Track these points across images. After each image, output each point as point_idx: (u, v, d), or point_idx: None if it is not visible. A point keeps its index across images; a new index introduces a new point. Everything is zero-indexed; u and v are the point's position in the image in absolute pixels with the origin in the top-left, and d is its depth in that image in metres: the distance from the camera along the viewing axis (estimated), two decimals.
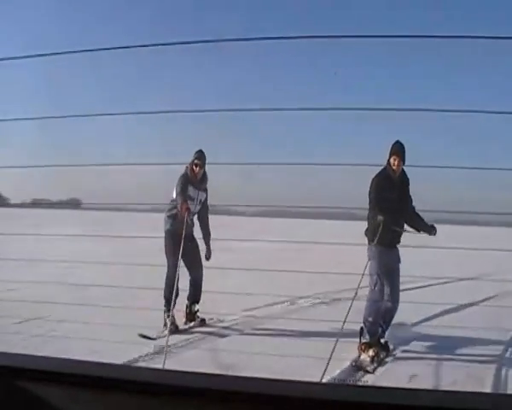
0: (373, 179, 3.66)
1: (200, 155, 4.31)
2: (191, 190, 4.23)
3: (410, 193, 3.80)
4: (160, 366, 2.90)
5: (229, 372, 2.81)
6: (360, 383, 2.93)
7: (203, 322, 4.30)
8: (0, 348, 0.87)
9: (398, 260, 3.71)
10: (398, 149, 3.67)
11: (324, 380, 2.69)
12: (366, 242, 3.72)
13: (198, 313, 4.35)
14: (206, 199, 4.41)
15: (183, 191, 4.14)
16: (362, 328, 3.60)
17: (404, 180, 3.74)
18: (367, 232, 3.74)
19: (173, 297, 3.97)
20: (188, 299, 4.31)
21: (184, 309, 4.29)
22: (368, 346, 3.55)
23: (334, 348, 2.84)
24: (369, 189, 3.69)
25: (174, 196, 4.23)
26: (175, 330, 3.99)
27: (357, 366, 3.32)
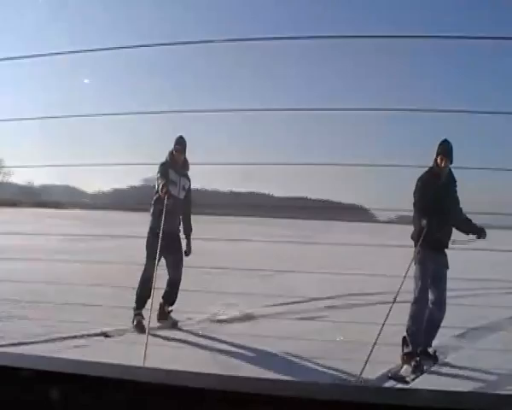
0: (418, 179, 3.51)
1: (181, 141, 4.26)
2: (173, 175, 4.13)
3: (458, 194, 3.63)
4: (159, 367, 2.88)
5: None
6: (360, 384, 2.90)
7: (175, 324, 4.18)
8: None
9: (446, 266, 3.52)
10: (446, 148, 3.48)
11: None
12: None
13: (171, 314, 4.24)
14: (189, 189, 4.31)
15: (163, 175, 4.05)
16: (405, 337, 3.47)
17: (450, 181, 3.57)
18: (413, 235, 3.58)
19: (146, 297, 3.88)
20: (162, 298, 4.19)
21: (158, 308, 4.16)
22: (410, 356, 3.39)
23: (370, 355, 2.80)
24: (414, 189, 3.54)
25: (156, 187, 4.12)
26: (140, 331, 3.88)
27: (393, 376, 3.18)
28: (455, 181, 3.60)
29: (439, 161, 3.48)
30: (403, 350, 3.45)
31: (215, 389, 0.68)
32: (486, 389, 2.91)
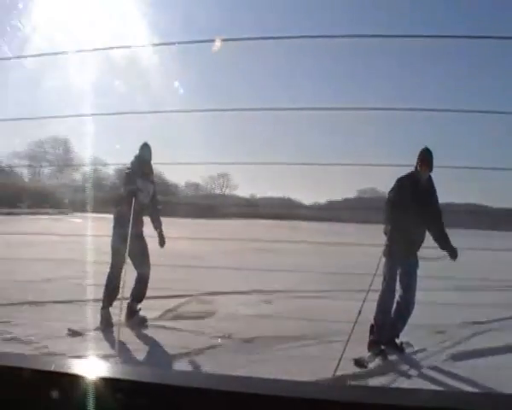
0: (397, 180, 3.65)
1: (146, 148, 4.36)
2: (140, 182, 4.22)
3: (439, 205, 3.70)
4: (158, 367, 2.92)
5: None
6: (358, 384, 2.94)
7: (144, 321, 4.19)
8: None
9: (415, 264, 3.63)
10: (426, 156, 3.62)
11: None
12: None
13: (139, 312, 4.26)
14: (154, 192, 4.43)
15: (130, 182, 4.16)
16: (372, 325, 3.63)
17: (429, 188, 3.65)
18: (385, 230, 3.68)
19: (114, 295, 3.99)
20: (130, 295, 4.21)
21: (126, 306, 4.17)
22: (375, 344, 3.57)
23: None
24: (391, 187, 3.67)
25: (122, 190, 4.26)
26: (105, 327, 3.93)
27: (357, 361, 3.31)
28: (434, 189, 3.68)
29: (419, 167, 3.61)
30: (369, 338, 3.60)
31: (215, 389, 0.68)
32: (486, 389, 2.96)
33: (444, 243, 3.60)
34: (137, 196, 4.03)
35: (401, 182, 3.63)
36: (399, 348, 3.65)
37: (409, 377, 3.23)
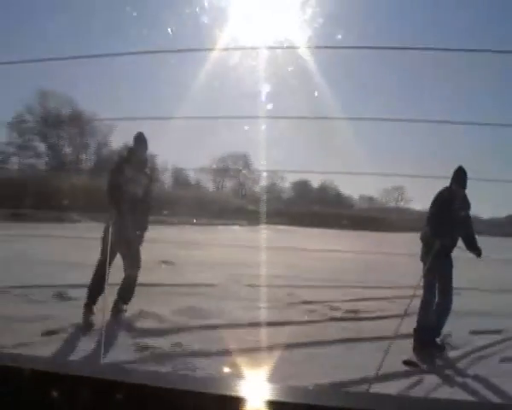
0: (437, 194, 4.03)
1: (140, 136, 4.13)
2: (130, 172, 3.98)
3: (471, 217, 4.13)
4: (158, 369, 2.91)
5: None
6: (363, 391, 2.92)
7: (129, 322, 4.02)
8: None
9: (451, 266, 3.97)
10: (460, 176, 3.98)
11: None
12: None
13: (124, 312, 4.10)
14: (149, 186, 4.19)
15: (117, 172, 3.97)
16: (415, 329, 3.89)
17: (464, 204, 4.03)
18: (422, 237, 4.05)
19: (98, 293, 3.83)
20: (117, 294, 4.05)
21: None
22: (419, 346, 3.80)
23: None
24: (432, 202, 4.04)
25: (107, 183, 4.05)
26: (89, 327, 3.78)
27: (407, 362, 3.51)
28: (469, 204, 4.08)
29: (453, 186, 3.99)
30: (414, 341, 3.85)
31: (214, 393, 0.67)
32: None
33: (471, 246, 4.01)
34: (121, 187, 3.79)
35: (440, 197, 4.02)
36: (441, 347, 3.91)
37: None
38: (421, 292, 3.89)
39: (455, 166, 3.98)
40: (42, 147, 26.43)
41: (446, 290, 3.90)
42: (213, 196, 29.54)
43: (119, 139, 27.43)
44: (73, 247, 8.25)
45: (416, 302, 3.83)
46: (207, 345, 3.46)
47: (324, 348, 3.54)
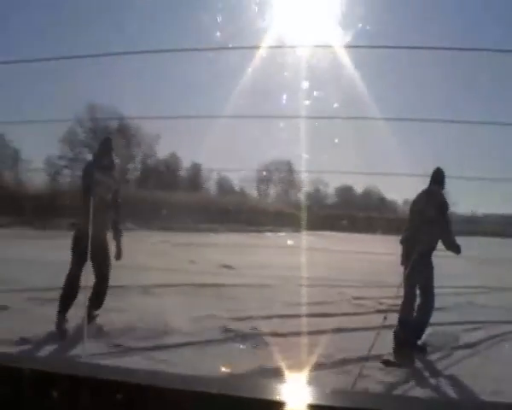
0: (414, 198, 4.27)
1: (107, 141, 4.23)
2: (98, 175, 3.94)
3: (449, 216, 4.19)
4: (157, 369, 3.09)
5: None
6: (360, 391, 2.96)
7: (100, 329, 3.96)
8: None
9: (431, 268, 4.00)
10: (439, 176, 4.19)
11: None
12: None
13: (96, 319, 4.04)
14: (117, 189, 4.17)
15: (87, 176, 3.97)
16: (395, 331, 3.89)
17: (442, 204, 4.09)
18: (401, 241, 4.15)
19: (70, 300, 3.79)
20: (88, 300, 3.88)
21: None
22: (400, 347, 3.81)
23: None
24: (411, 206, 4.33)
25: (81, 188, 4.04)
26: (62, 335, 3.74)
27: (385, 363, 3.58)
28: (447, 205, 4.15)
29: (432, 187, 4.16)
30: (394, 341, 3.87)
31: (214, 393, 0.67)
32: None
33: (450, 245, 4.05)
34: (93, 189, 3.77)
35: (416, 199, 4.23)
36: (423, 349, 3.95)
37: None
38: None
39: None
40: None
41: (428, 292, 3.95)
42: (259, 202, 29.56)
43: (165, 149, 29.51)
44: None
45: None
46: (280, 329, 4.32)
47: (371, 332, 3.84)
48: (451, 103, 30.43)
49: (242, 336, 4.13)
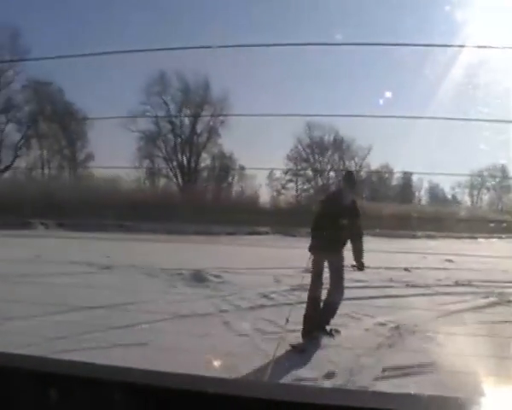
0: (324, 196, 4.70)
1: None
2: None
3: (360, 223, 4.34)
4: (157, 369, 3.34)
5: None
6: (358, 388, 3.00)
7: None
8: None
9: (342, 259, 4.21)
10: (349, 178, 4.67)
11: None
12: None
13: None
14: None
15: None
16: (305, 316, 4.09)
17: (351, 206, 4.27)
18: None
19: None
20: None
21: None
22: (308, 332, 4.04)
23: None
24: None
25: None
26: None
27: (293, 347, 3.79)
28: (358, 212, 4.32)
29: (342, 187, 4.53)
30: (303, 327, 4.06)
31: (214, 393, 0.67)
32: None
33: (357, 255, 4.25)
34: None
35: (325, 197, 4.62)
36: (330, 334, 4.16)
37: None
38: None
39: None
40: (310, 173, 30.13)
41: (338, 281, 4.10)
42: (471, 210, 28.86)
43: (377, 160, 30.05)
44: None
45: None
46: None
47: None
48: None
49: None
